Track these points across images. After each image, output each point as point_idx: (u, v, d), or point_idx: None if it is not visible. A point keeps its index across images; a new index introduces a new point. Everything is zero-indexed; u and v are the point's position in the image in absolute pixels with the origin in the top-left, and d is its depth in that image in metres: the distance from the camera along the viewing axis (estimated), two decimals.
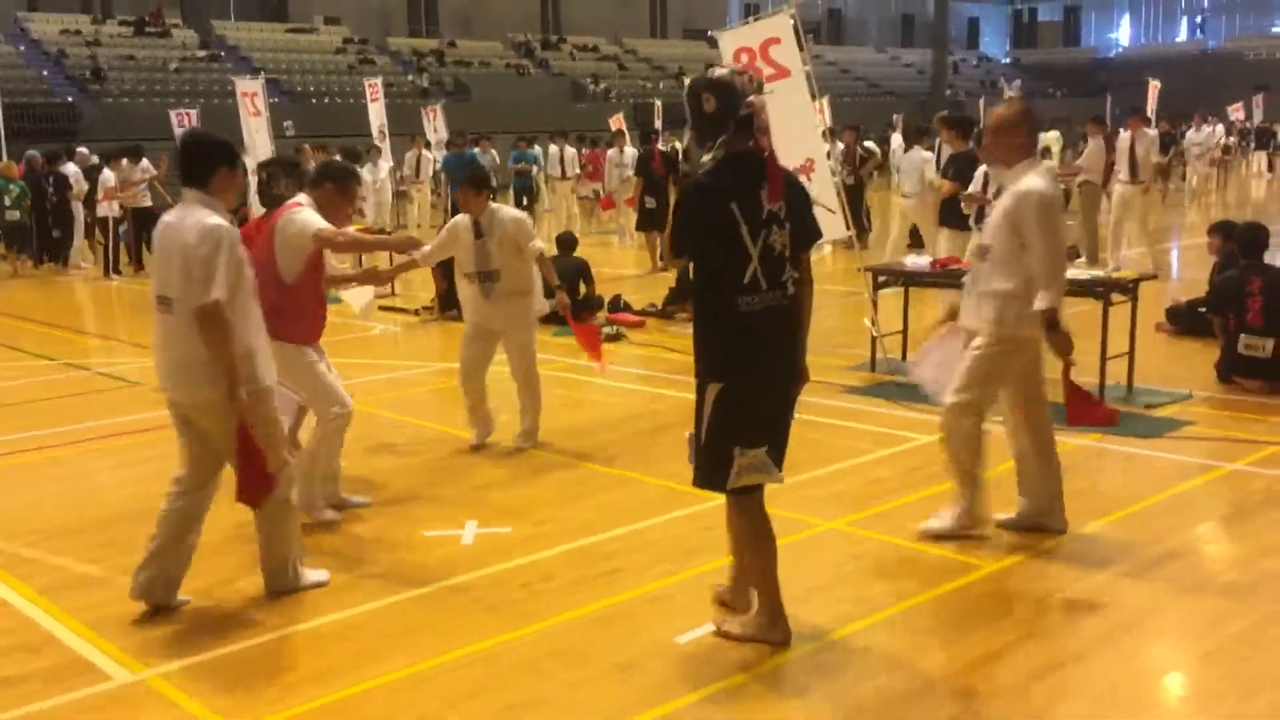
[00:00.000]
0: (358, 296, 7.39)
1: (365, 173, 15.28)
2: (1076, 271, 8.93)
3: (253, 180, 16.09)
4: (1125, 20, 62.93)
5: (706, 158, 4.02)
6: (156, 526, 4.68)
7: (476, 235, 6.72)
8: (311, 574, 4.91)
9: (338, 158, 14.38)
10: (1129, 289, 7.72)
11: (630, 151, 19.37)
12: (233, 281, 4.38)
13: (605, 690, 3.95)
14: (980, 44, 63.62)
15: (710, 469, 4.08)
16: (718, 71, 4.06)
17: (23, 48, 32.99)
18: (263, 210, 6.54)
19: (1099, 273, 8.28)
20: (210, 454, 4.68)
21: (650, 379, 8.75)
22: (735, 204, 3.92)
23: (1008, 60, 62.05)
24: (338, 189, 5.56)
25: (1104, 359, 7.66)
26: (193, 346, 4.39)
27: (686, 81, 4.19)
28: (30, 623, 4.62)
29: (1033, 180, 4.99)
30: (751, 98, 3.96)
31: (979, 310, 5.14)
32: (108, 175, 16.13)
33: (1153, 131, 15.16)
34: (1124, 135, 13.88)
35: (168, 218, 4.58)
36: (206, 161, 4.53)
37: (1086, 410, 5.31)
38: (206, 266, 4.33)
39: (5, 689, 4.03)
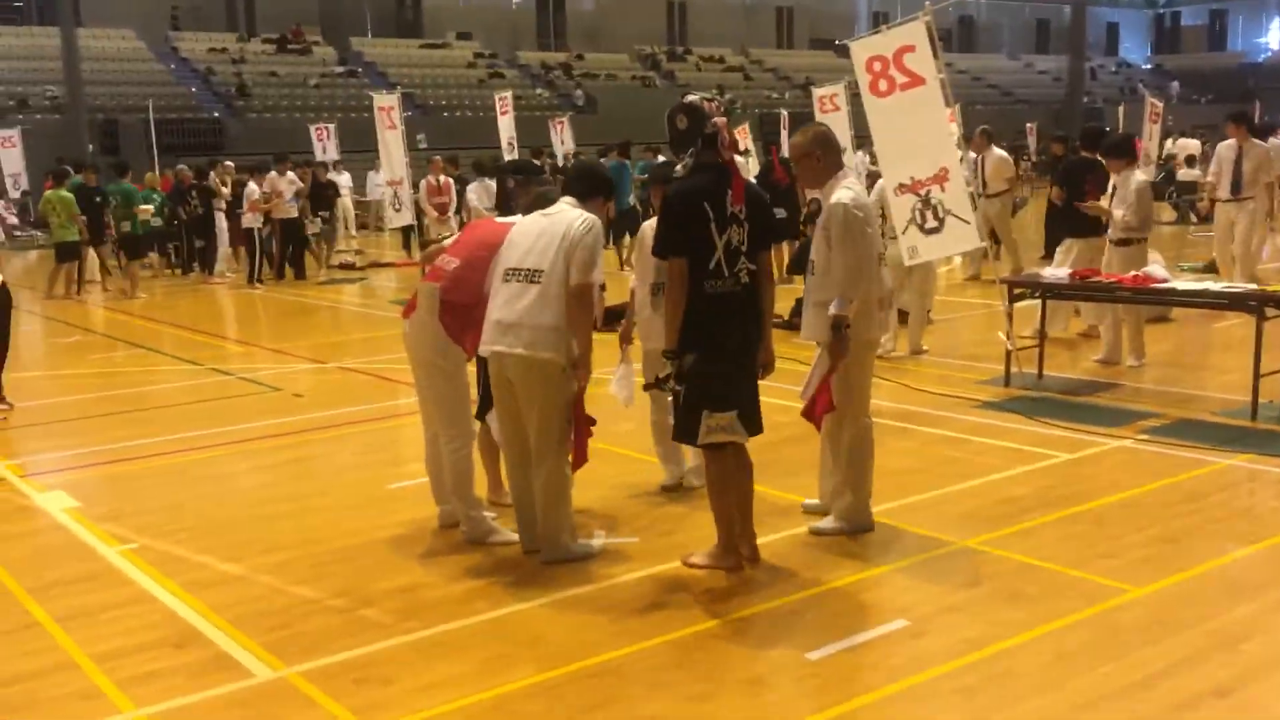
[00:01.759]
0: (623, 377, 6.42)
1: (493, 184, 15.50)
2: (1228, 285, 8.58)
3: (389, 190, 16.56)
4: (1275, 23, 60.21)
5: (680, 166, 5.00)
6: (512, 498, 5.39)
7: None
8: (584, 544, 5.33)
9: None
10: None
11: (739, 163, 19.10)
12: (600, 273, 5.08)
13: (732, 706, 3.90)
14: (1120, 49, 61.59)
15: (684, 426, 4.93)
16: (690, 97, 5.01)
17: (173, 65, 34.53)
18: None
19: (1253, 286, 7.91)
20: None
21: (774, 389, 8.66)
22: (707, 203, 4.78)
23: (1149, 66, 59.96)
24: (606, 201, 5.55)
25: (1257, 375, 7.32)
26: (548, 315, 4.95)
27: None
28: (175, 618, 4.79)
29: (840, 193, 5.26)
30: (715, 118, 4.85)
31: (816, 323, 5.36)
32: (252, 189, 16.68)
33: (1268, 143, 12.84)
34: (1226, 144, 12.13)
35: (543, 212, 5.20)
36: (596, 188, 5.35)
37: (819, 411, 5.52)
38: (590, 253, 4.99)
39: (151, 683, 4.17)
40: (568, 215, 5.13)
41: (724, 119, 4.90)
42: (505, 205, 5.92)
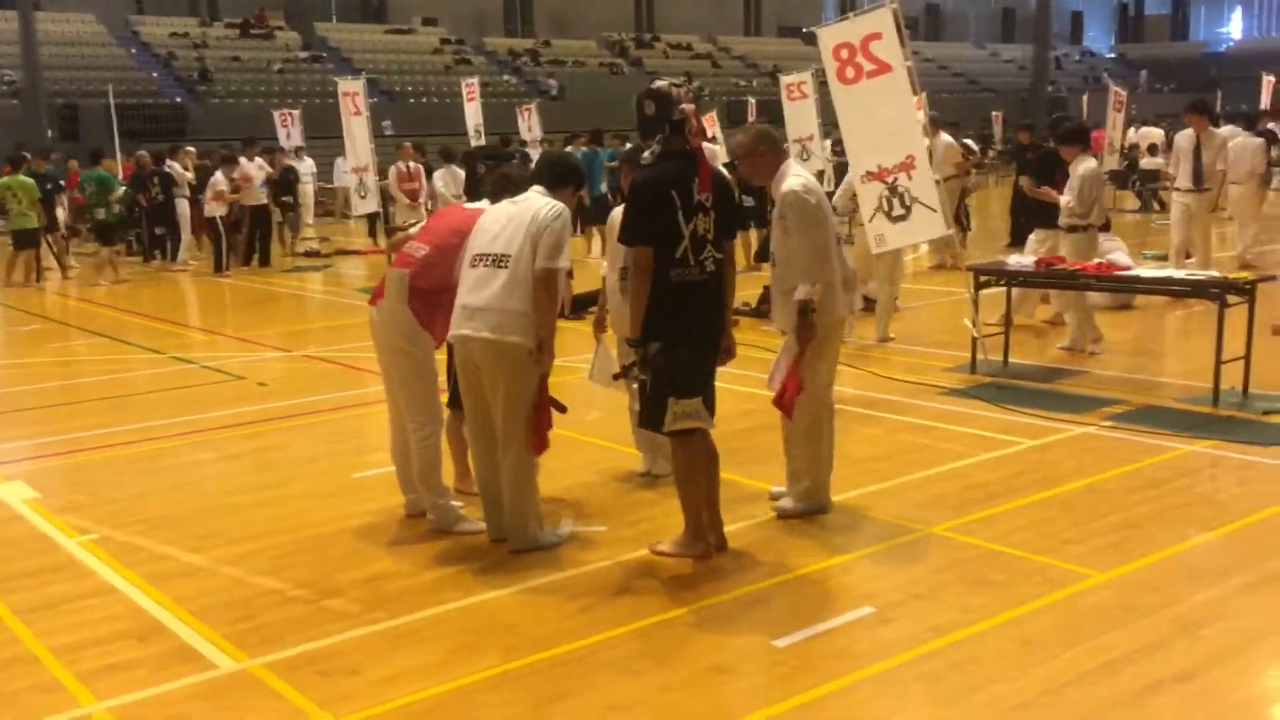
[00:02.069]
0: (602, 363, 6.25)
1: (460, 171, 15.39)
2: (1191, 273, 8.67)
3: (354, 177, 16.44)
4: (1237, 14, 60.87)
5: (647, 153, 4.91)
6: (478, 485, 5.38)
7: None
8: (552, 533, 5.32)
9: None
10: (1246, 290, 7.42)
11: (716, 149, 19.09)
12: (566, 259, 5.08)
13: (699, 694, 3.90)
14: (1084, 38, 62.03)
15: (650, 413, 4.94)
16: (658, 83, 4.97)
17: (134, 50, 34.06)
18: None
19: (1215, 273, 7.99)
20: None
21: (743, 379, 8.66)
22: (674, 191, 4.75)
23: (1113, 55, 60.42)
24: (576, 190, 5.53)
25: (1219, 362, 7.39)
26: (515, 300, 4.94)
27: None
28: (139, 610, 4.73)
29: (789, 181, 5.35)
30: (683, 105, 4.80)
31: (785, 311, 5.42)
32: (218, 178, 16.48)
33: (1222, 133, 12.76)
34: (1185, 134, 12.14)
35: (511, 200, 5.19)
36: (565, 177, 5.31)
37: (790, 398, 5.54)
38: (556, 239, 4.99)
39: (112, 675, 4.12)
40: (535, 202, 5.12)
41: (692, 105, 4.86)
42: (474, 192, 5.85)
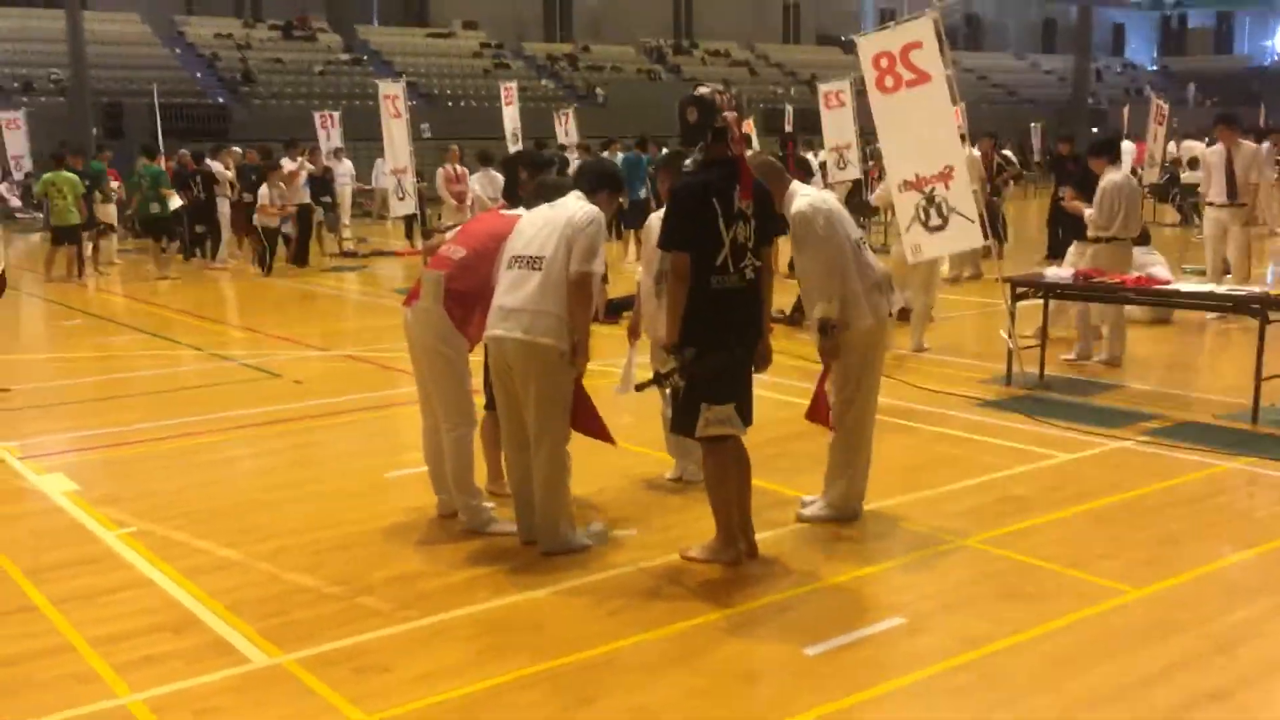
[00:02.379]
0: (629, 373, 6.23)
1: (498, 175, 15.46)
2: (1232, 288, 8.57)
3: (393, 179, 16.56)
4: None
5: (689, 161, 4.97)
6: (511, 487, 5.42)
7: None
8: (583, 535, 5.34)
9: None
10: None
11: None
12: (601, 263, 5.08)
13: (727, 699, 3.90)
14: (1126, 50, 61.47)
15: (682, 418, 4.96)
16: (700, 90, 4.95)
17: (178, 50, 34.47)
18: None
19: (1256, 289, 7.90)
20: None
21: (778, 386, 8.65)
22: (715, 199, 4.76)
23: (1154, 68, 59.86)
24: (613, 195, 5.51)
25: (1259, 379, 7.31)
26: (548, 301, 4.98)
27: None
28: (174, 603, 4.78)
29: (796, 203, 5.38)
30: (726, 112, 4.80)
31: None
32: (264, 192, 16.26)
33: (1253, 145, 12.10)
34: (1216, 149, 11.81)
35: (551, 203, 5.25)
36: (599, 182, 5.35)
37: (822, 411, 5.68)
38: (591, 242, 5.01)
39: (149, 667, 4.17)
40: (571, 206, 5.15)
41: (734, 113, 4.86)
42: (513, 196, 5.85)
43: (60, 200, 15.77)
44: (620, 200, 5.77)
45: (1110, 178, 9.08)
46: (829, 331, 5.31)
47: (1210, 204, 11.85)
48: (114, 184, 18.60)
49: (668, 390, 5.11)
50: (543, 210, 5.24)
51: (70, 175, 15.95)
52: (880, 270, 5.61)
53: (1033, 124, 35.20)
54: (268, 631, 4.46)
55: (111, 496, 6.24)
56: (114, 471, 6.86)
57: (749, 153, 5.32)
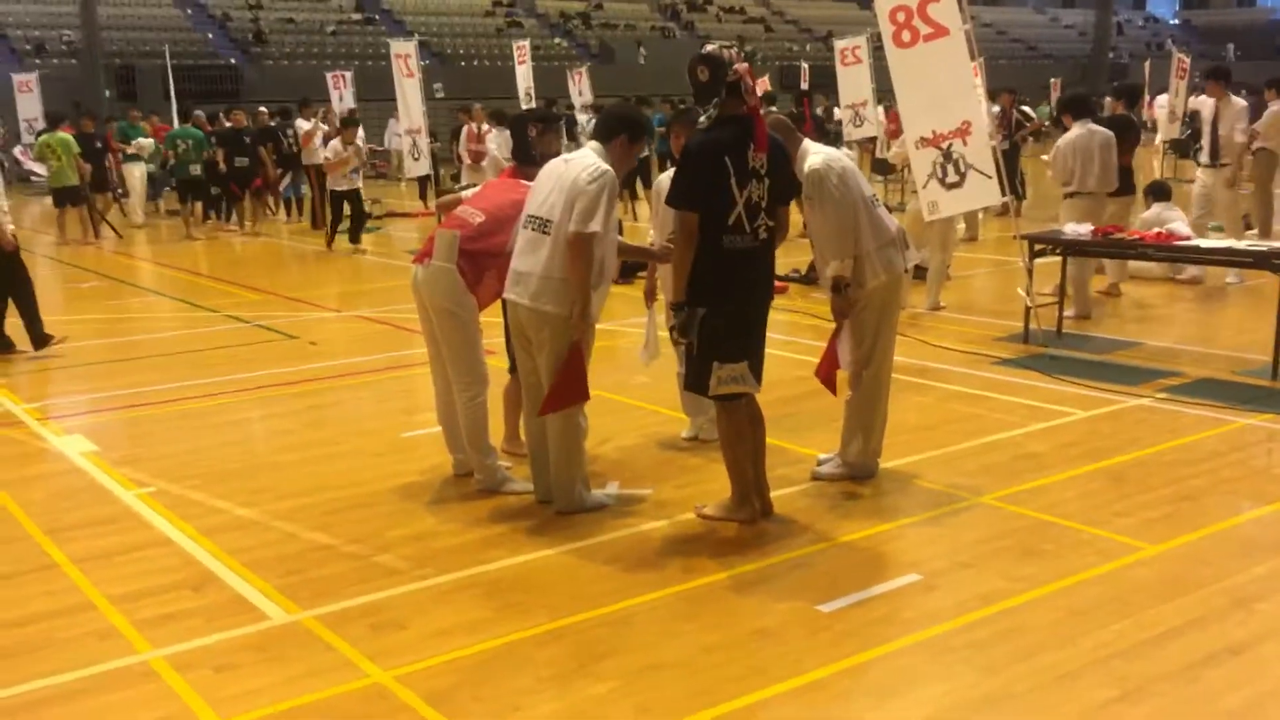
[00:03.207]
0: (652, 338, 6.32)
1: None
2: (1253, 244, 8.48)
3: (408, 139, 16.49)
4: None
5: (703, 118, 4.84)
6: (528, 446, 5.39)
7: None
8: (598, 495, 5.36)
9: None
10: None
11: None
12: (605, 222, 4.91)
13: (742, 656, 3.91)
14: (1147, 4, 60.62)
15: (695, 377, 4.94)
16: (708, 47, 4.85)
17: (190, 11, 34.33)
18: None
19: (1277, 244, 7.81)
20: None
21: (793, 345, 8.63)
22: (728, 157, 4.69)
23: (1176, 21, 59.00)
24: (632, 141, 5.25)
25: None
26: (554, 266, 4.93)
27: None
28: (193, 561, 4.82)
29: (810, 159, 5.32)
30: (737, 65, 4.73)
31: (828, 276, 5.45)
32: (336, 145, 15.08)
33: (1241, 101, 11.71)
34: (1205, 103, 11.37)
35: (566, 156, 5.16)
36: (615, 126, 5.16)
37: (828, 372, 5.63)
38: (591, 201, 4.87)
39: (170, 624, 4.21)
40: (580, 162, 5.04)
41: (746, 65, 4.80)
42: (523, 154, 5.81)
43: (55, 162, 15.82)
44: (643, 149, 5.61)
45: (1067, 135, 9.22)
46: (842, 290, 5.30)
47: (1198, 163, 11.54)
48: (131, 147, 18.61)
49: (681, 348, 5.10)
50: (557, 165, 5.16)
51: (64, 136, 16.06)
52: (894, 226, 5.56)
53: (1052, 79, 34.79)
54: (286, 589, 4.49)
55: (130, 457, 6.28)
56: (132, 432, 6.89)
57: (764, 112, 5.27)
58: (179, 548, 4.97)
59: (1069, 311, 9.04)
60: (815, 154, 5.38)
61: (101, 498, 5.66)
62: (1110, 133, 9.48)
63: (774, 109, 17.32)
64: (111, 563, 4.81)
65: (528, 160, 5.80)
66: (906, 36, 8.29)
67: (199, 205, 17.48)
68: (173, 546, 4.99)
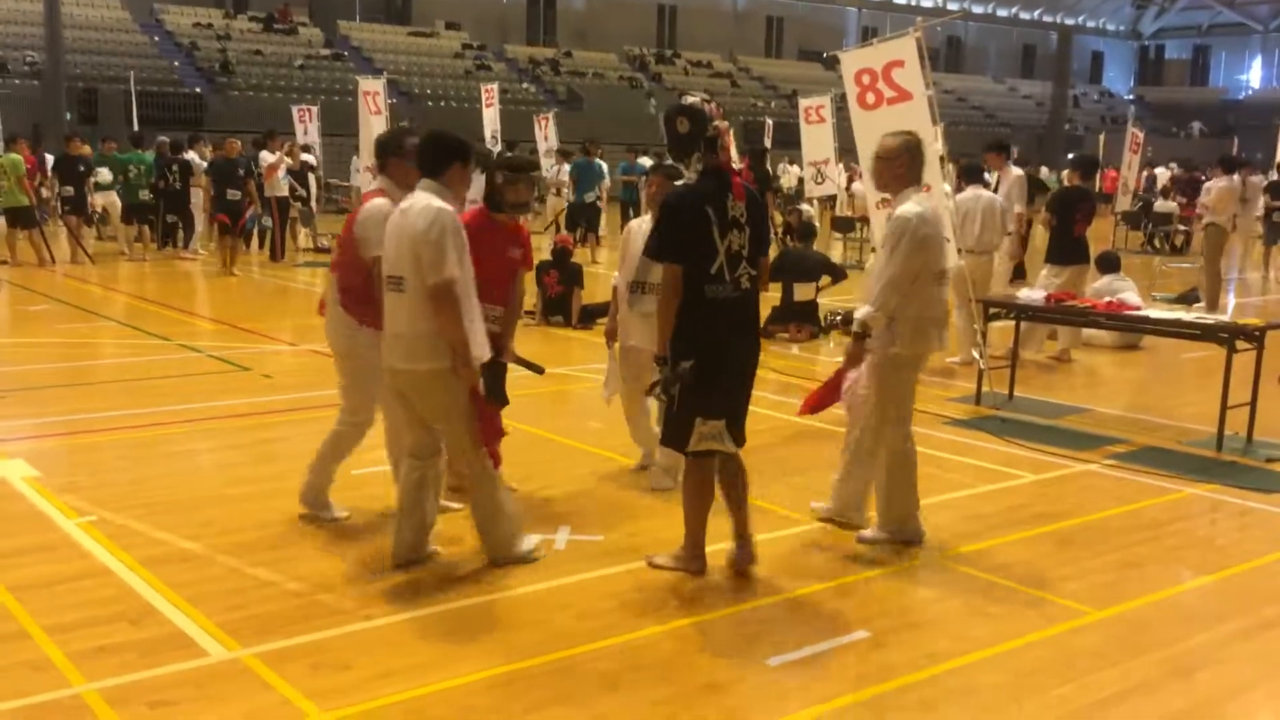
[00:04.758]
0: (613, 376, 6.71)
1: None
2: (1200, 316, 8.66)
3: (368, 176, 16.47)
4: (1257, 62, 60.95)
5: (690, 173, 4.84)
6: (398, 499, 5.09)
7: None
8: (528, 545, 5.20)
9: None
10: (1255, 336, 7.42)
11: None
12: (459, 261, 4.75)
13: (690, 709, 3.88)
14: (1104, 78, 62.16)
15: (675, 432, 4.87)
16: (689, 99, 4.87)
17: (157, 38, 34.20)
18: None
19: (1224, 318, 7.99)
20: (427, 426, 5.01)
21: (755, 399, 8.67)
22: (710, 207, 4.68)
23: (1131, 97, 60.56)
24: (464, 165, 5.05)
25: (1224, 407, 7.38)
26: (419, 322, 4.76)
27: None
28: (132, 593, 4.72)
29: (908, 205, 5.23)
30: (716, 121, 4.76)
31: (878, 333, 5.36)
32: (265, 155, 16.70)
33: (1018, 171, 11.31)
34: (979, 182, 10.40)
35: (402, 205, 4.90)
36: (443, 155, 4.91)
37: (823, 399, 5.76)
38: (436, 250, 4.68)
39: (105, 657, 4.11)
40: (415, 210, 4.77)
41: (725, 123, 4.84)
42: (491, 201, 5.78)
43: (5, 182, 15.69)
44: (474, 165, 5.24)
45: (958, 196, 9.58)
46: (862, 339, 5.24)
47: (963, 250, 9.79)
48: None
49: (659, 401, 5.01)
50: (396, 217, 4.88)
51: (14, 157, 16.02)
52: (942, 308, 5.43)
53: (1011, 147, 35.46)
54: (227, 625, 4.41)
55: (72, 484, 6.16)
56: (76, 459, 6.77)
57: (901, 130, 5.44)
58: (118, 579, 4.87)
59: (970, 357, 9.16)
60: (918, 203, 5.26)
61: (41, 525, 5.54)
62: (994, 196, 9.97)
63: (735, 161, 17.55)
64: (48, 591, 4.70)
65: (496, 209, 5.80)
66: (870, 99, 8.43)
67: (146, 229, 17.39)
68: (111, 577, 4.89)
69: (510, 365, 6.11)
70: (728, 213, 4.72)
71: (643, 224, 6.62)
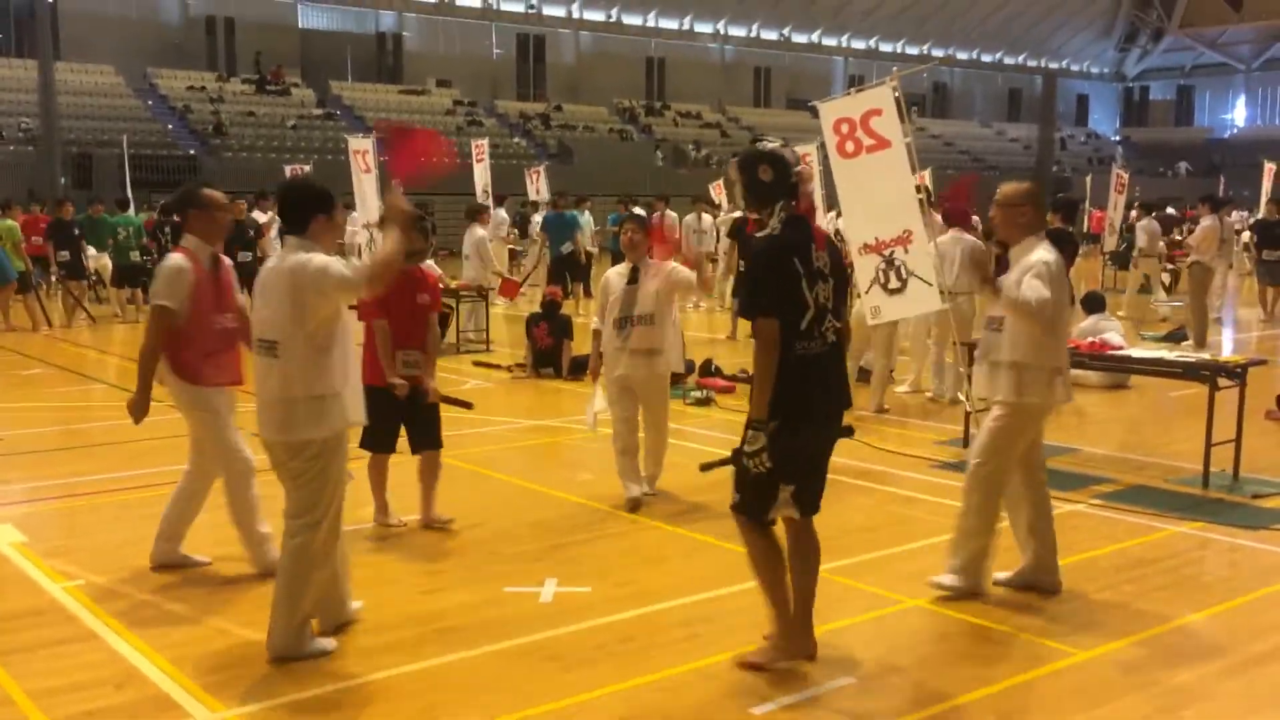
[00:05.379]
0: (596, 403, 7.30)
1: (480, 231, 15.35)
2: (1182, 355, 8.72)
3: (365, 233, 16.60)
4: (1241, 101, 61.65)
5: (773, 221, 4.47)
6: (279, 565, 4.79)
7: (631, 280, 6.91)
8: (318, 643, 4.74)
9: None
10: (1237, 374, 7.47)
11: (708, 219, 19.16)
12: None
13: None
14: (1089, 121, 62.81)
15: (756, 500, 4.47)
16: (768, 145, 4.56)
17: (150, 102, 34.57)
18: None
19: (1205, 356, 8.04)
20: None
21: (716, 440, 8.68)
22: (797, 259, 4.38)
23: (1117, 138, 61.15)
24: (329, 216, 4.75)
25: (1209, 444, 7.41)
26: (293, 388, 4.55)
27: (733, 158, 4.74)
28: (117, 656, 4.72)
29: (1042, 252, 5.23)
30: (799, 167, 4.49)
31: (993, 380, 5.35)
32: (258, 216, 16.88)
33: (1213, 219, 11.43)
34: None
35: (269, 263, 4.75)
36: (305, 209, 4.64)
37: None
38: (331, 273, 4.45)
39: None
40: (283, 267, 4.55)
41: (809, 168, 4.61)
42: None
43: (2, 245, 15.83)
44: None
45: (939, 239, 9.62)
46: (989, 281, 5.24)
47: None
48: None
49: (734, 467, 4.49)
50: (262, 279, 4.65)
51: (10, 223, 16.17)
52: (1065, 359, 5.42)
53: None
54: (212, 687, 4.41)
55: (61, 548, 6.17)
56: (64, 523, 6.77)
57: (1021, 181, 5.45)
58: (104, 643, 4.87)
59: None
60: (1050, 250, 5.28)
61: (27, 590, 5.54)
62: (976, 242, 10.03)
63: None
64: (34, 656, 4.70)
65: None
66: (850, 147, 8.54)
67: (139, 292, 17.40)
68: (97, 641, 4.89)
69: (442, 405, 6.49)
70: (813, 263, 4.42)
71: (620, 271, 7.05)
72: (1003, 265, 9.64)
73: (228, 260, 5.84)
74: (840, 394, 4.57)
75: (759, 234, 4.52)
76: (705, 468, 4.70)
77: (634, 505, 6.84)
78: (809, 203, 4.53)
